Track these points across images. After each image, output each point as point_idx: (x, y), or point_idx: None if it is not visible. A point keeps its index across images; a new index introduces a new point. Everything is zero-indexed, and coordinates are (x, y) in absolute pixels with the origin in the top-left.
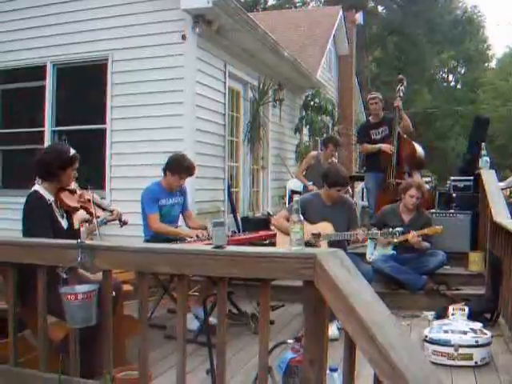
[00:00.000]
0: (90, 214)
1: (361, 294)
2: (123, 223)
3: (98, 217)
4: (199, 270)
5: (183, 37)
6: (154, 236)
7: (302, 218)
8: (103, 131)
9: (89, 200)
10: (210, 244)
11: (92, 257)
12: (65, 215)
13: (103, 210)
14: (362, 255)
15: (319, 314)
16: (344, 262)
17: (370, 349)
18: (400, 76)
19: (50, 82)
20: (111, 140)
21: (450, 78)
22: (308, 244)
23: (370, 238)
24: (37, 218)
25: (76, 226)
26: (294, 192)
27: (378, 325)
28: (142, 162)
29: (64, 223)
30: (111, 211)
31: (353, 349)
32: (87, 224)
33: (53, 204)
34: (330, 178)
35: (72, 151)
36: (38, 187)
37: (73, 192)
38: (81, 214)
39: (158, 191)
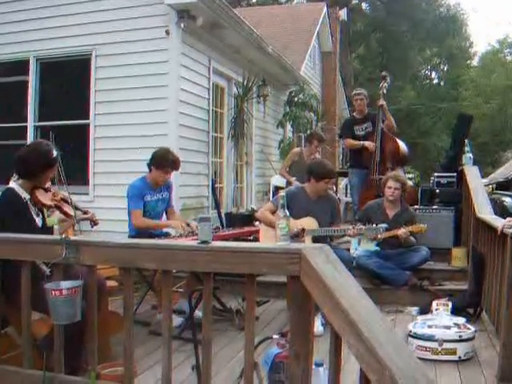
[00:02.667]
0: (64, 212)
1: (347, 289)
2: (94, 224)
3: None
4: (185, 266)
5: (167, 32)
6: (139, 232)
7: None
8: (86, 126)
9: (62, 199)
10: (196, 240)
11: (77, 252)
12: (40, 213)
13: (76, 209)
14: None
15: (305, 308)
16: (330, 257)
17: (356, 343)
18: (383, 73)
19: (32, 77)
20: (95, 135)
21: (433, 75)
22: (293, 237)
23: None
24: (12, 221)
25: (55, 223)
26: (277, 188)
27: (364, 319)
28: (125, 158)
29: (39, 221)
30: (85, 212)
31: (338, 343)
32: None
33: (28, 202)
34: (317, 170)
35: (55, 152)
36: (14, 184)
37: (47, 190)
38: (59, 214)
39: (143, 187)
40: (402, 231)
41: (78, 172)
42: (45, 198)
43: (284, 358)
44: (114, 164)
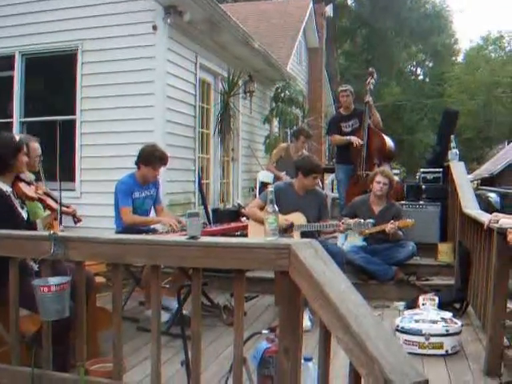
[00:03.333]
0: (46, 206)
1: (336, 284)
2: (78, 220)
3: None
4: (174, 261)
5: (154, 27)
6: (126, 228)
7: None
8: (73, 122)
9: (44, 193)
10: (184, 235)
11: (65, 248)
12: (24, 206)
13: (57, 203)
14: None
15: (294, 303)
16: (319, 252)
17: (345, 338)
18: (370, 69)
19: (18, 73)
20: (81, 131)
21: (418, 71)
22: (282, 232)
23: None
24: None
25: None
26: (264, 184)
27: (353, 314)
28: (112, 154)
29: (24, 214)
30: (67, 206)
31: (328, 338)
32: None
33: (11, 195)
34: (305, 166)
35: (17, 136)
36: None
37: (29, 183)
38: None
39: (131, 184)
40: (389, 226)
41: (64, 168)
42: (28, 191)
43: (273, 353)
44: (101, 160)
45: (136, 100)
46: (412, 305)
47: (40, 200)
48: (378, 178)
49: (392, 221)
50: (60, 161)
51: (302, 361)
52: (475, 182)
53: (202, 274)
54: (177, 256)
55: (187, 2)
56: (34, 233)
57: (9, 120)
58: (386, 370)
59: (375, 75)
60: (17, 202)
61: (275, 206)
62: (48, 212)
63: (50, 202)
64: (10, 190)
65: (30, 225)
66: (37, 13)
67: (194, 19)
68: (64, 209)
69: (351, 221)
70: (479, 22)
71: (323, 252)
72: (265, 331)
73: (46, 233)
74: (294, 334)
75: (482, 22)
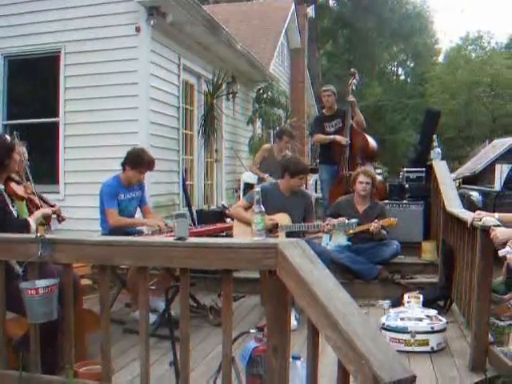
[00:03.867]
0: (34, 205)
1: (323, 282)
2: (62, 219)
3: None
4: (162, 262)
5: (137, 29)
6: (112, 230)
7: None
8: (56, 125)
9: (33, 193)
10: (171, 236)
11: (52, 251)
12: (14, 205)
13: (45, 203)
14: None
15: (281, 302)
16: (306, 252)
17: (333, 335)
18: (352, 70)
19: (1, 75)
20: (64, 133)
21: (400, 71)
22: (267, 233)
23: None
24: None
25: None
26: (248, 185)
27: (341, 312)
28: (96, 156)
29: (14, 212)
30: (52, 205)
31: (316, 336)
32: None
33: (3, 193)
34: (292, 166)
35: (8, 137)
36: None
37: (19, 183)
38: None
39: (116, 186)
40: (374, 225)
41: (48, 171)
42: (19, 190)
43: (261, 352)
44: (85, 162)
45: (120, 102)
46: (397, 303)
47: (29, 199)
48: (361, 178)
49: (376, 220)
50: (42, 164)
51: (291, 359)
52: (457, 181)
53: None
54: (165, 257)
55: (170, 4)
56: (21, 235)
57: None
58: (375, 366)
59: (357, 76)
60: (8, 200)
61: (262, 206)
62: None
63: (37, 201)
64: (3, 187)
65: (23, 222)
66: (19, 15)
67: (177, 21)
68: (51, 208)
69: (335, 221)
70: (459, 22)
71: (310, 251)
72: (253, 330)
73: (33, 235)
74: (282, 332)
75: (461, 23)
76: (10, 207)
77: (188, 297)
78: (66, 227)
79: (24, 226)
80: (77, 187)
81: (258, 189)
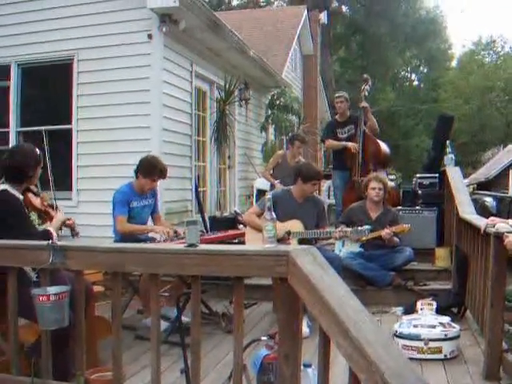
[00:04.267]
0: (51, 218)
1: (334, 290)
2: (76, 234)
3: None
4: (173, 269)
5: (149, 36)
6: (124, 237)
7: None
8: (69, 131)
9: (49, 205)
10: (183, 243)
11: (64, 258)
12: (30, 216)
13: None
14: None
15: (293, 310)
16: (317, 259)
17: (344, 343)
18: (365, 76)
19: (14, 83)
20: (77, 140)
21: (413, 77)
22: (279, 240)
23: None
24: (9, 216)
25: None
26: (261, 191)
27: (352, 319)
28: (109, 163)
29: None
30: (68, 219)
31: (327, 344)
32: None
33: (22, 203)
34: (305, 172)
35: (38, 150)
36: (7, 186)
37: (37, 195)
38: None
39: (129, 193)
40: (385, 232)
41: (61, 177)
42: (35, 202)
43: (273, 360)
44: (98, 169)
45: (132, 109)
46: (410, 310)
47: (45, 212)
48: (373, 184)
49: (388, 226)
50: (55, 170)
51: (302, 367)
52: (471, 187)
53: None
54: (176, 264)
55: (182, 11)
56: (32, 242)
57: (5, 130)
58: (386, 374)
59: (370, 82)
60: (26, 211)
61: (273, 213)
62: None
63: (53, 213)
64: (22, 197)
65: (43, 232)
66: (32, 22)
67: (189, 27)
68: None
69: (348, 229)
70: (471, 27)
71: (321, 258)
72: (264, 338)
73: (44, 242)
74: (293, 340)
75: (474, 27)
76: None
77: (199, 304)
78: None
79: (47, 237)
80: (90, 194)
81: (269, 196)
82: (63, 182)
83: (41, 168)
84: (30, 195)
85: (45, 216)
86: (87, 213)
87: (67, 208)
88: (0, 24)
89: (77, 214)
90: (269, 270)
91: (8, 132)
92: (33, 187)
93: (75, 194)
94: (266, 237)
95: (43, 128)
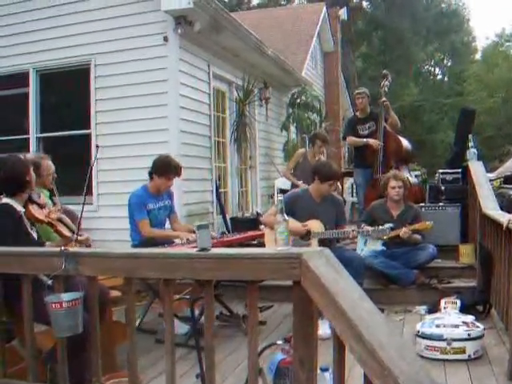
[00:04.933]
0: (57, 231)
1: (348, 292)
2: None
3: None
4: (185, 274)
5: (165, 38)
6: (142, 241)
7: (290, 214)
8: (88, 136)
9: (58, 219)
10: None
11: (76, 264)
12: (33, 228)
13: (70, 230)
14: None
15: (307, 313)
16: (330, 261)
17: (357, 347)
18: (384, 71)
19: (33, 89)
20: (96, 145)
21: (437, 71)
22: (301, 239)
23: (361, 235)
24: (10, 234)
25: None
26: (283, 191)
27: (365, 323)
28: (128, 166)
29: (34, 234)
30: (80, 235)
31: (342, 348)
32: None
33: (23, 215)
34: (322, 171)
35: (28, 155)
36: (8, 200)
37: (42, 206)
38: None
39: (145, 196)
40: (403, 231)
41: (81, 182)
42: (38, 213)
43: (288, 364)
44: (117, 173)
45: (150, 111)
46: (434, 308)
47: (50, 224)
48: (392, 183)
49: (407, 225)
50: (76, 176)
51: (319, 371)
52: (498, 181)
53: (216, 285)
54: (188, 269)
55: (197, 12)
56: (44, 249)
57: (25, 136)
58: (400, 379)
59: (389, 77)
60: (27, 223)
61: (285, 215)
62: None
63: (60, 228)
64: (23, 210)
65: (40, 245)
66: (49, 29)
67: (205, 28)
68: (78, 238)
69: (370, 228)
70: (494, 18)
71: (335, 260)
72: (279, 342)
73: (57, 249)
74: (308, 344)
75: (497, 19)
76: (29, 229)
77: (213, 308)
78: (99, 238)
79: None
80: (110, 198)
81: (281, 197)
82: (83, 186)
83: (32, 172)
84: (32, 207)
85: (51, 229)
86: (107, 217)
87: (88, 213)
88: (18, 31)
89: (97, 219)
90: (282, 272)
91: (28, 138)
92: (37, 198)
93: (95, 199)
94: (278, 239)
95: (62, 133)
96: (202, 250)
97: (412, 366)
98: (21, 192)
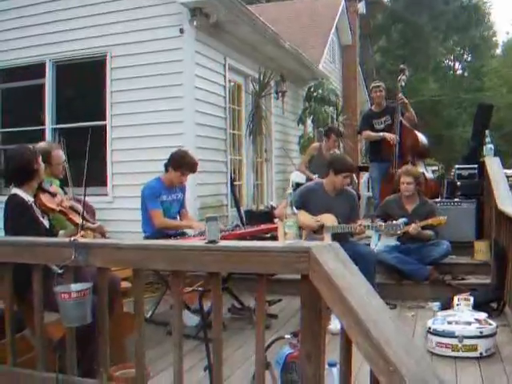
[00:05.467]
0: (69, 219)
1: (356, 288)
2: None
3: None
4: (193, 266)
5: (181, 30)
6: (155, 233)
7: (304, 208)
8: (103, 128)
9: (70, 207)
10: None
11: (86, 254)
12: (45, 216)
13: (84, 219)
14: None
15: (315, 307)
16: (339, 255)
17: (364, 344)
18: (402, 66)
19: (49, 80)
20: (112, 136)
21: (457, 65)
22: (314, 233)
23: (374, 230)
24: (19, 224)
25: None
26: (298, 184)
27: (372, 319)
28: (143, 158)
29: (46, 223)
30: (92, 223)
31: (349, 343)
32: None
33: (33, 204)
34: (336, 163)
35: (31, 146)
36: (17, 190)
37: (53, 195)
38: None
39: (158, 187)
40: (412, 227)
41: (96, 173)
42: (49, 202)
43: (296, 358)
44: (132, 164)
45: (165, 103)
46: (447, 305)
47: (62, 213)
48: (403, 179)
49: (414, 224)
50: (91, 167)
51: (327, 366)
52: None
53: (228, 277)
54: (196, 261)
55: (213, 4)
56: (55, 239)
57: (41, 127)
58: (406, 377)
59: (407, 72)
60: (38, 212)
61: (294, 208)
62: (72, 227)
63: (72, 216)
64: (32, 199)
65: (52, 234)
66: (65, 20)
67: (221, 21)
68: (90, 225)
69: (383, 223)
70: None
71: (344, 255)
72: (287, 336)
73: (66, 239)
74: (315, 339)
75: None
76: (40, 218)
77: (221, 302)
78: (114, 229)
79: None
80: (124, 189)
81: (290, 191)
82: (99, 177)
83: (41, 161)
84: (43, 196)
85: (63, 217)
86: (122, 208)
87: (103, 204)
88: (34, 23)
89: (112, 210)
90: (290, 266)
91: (44, 129)
92: (49, 187)
93: (110, 190)
94: (287, 232)
95: (78, 125)
96: (211, 242)
97: (419, 364)
98: (29, 181)
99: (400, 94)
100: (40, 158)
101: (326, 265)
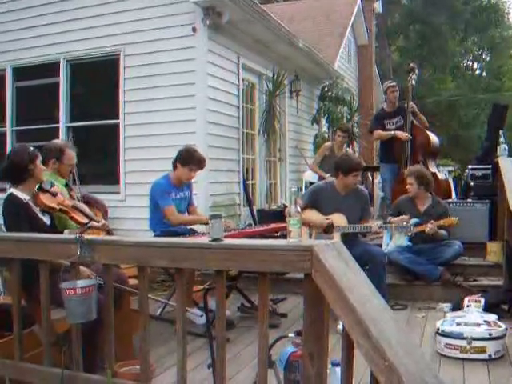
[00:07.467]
0: (71, 218)
1: (358, 287)
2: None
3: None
4: (196, 264)
5: (194, 29)
6: (164, 231)
7: (314, 207)
8: (117, 126)
9: (73, 206)
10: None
11: (92, 251)
12: (46, 214)
13: (87, 217)
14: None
15: (317, 306)
16: (342, 255)
17: (364, 343)
18: (411, 65)
19: (63, 79)
20: (125, 135)
21: (475, 65)
22: (324, 232)
23: (385, 230)
24: (14, 221)
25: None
26: (311, 184)
27: (373, 319)
28: (155, 156)
29: (46, 220)
30: (98, 221)
31: (350, 343)
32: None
33: (29, 202)
34: (343, 165)
35: (30, 147)
36: (13, 190)
37: (54, 194)
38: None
39: (167, 185)
40: (429, 226)
41: (109, 171)
42: (49, 201)
43: (299, 357)
44: (145, 162)
45: (178, 102)
46: (458, 306)
47: (63, 212)
48: (408, 180)
49: (430, 224)
50: (104, 165)
51: (330, 365)
52: None
53: (234, 277)
54: (199, 259)
55: (225, 3)
56: (60, 236)
57: (55, 125)
58: (405, 378)
59: (417, 70)
60: (37, 210)
61: (298, 207)
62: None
63: (75, 214)
64: (28, 197)
65: (55, 231)
66: (79, 19)
67: (234, 20)
68: (94, 224)
69: (394, 221)
70: None
71: (347, 254)
72: (291, 335)
73: (72, 236)
74: (318, 338)
75: None
76: (39, 215)
77: (224, 299)
78: (126, 227)
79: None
80: (137, 187)
81: (293, 189)
82: (111, 176)
83: (41, 162)
84: (44, 195)
85: (66, 216)
86: (134, 206)
87: (116, 202)
88: (49, 22)
89: (124, 208)
90: (292, 265)
91: (58, 127)
92: (49, 186)
93: (123, 188)
94: (290, 231)
95: (92, 123)
96: (214, 240)
97: (419, 365)
98: (24, 180)
99: (411, 103)
100: (39, 160)
101: (328, 263)
